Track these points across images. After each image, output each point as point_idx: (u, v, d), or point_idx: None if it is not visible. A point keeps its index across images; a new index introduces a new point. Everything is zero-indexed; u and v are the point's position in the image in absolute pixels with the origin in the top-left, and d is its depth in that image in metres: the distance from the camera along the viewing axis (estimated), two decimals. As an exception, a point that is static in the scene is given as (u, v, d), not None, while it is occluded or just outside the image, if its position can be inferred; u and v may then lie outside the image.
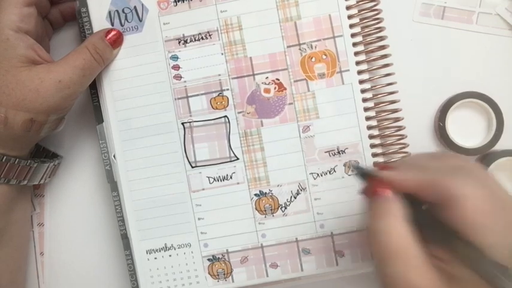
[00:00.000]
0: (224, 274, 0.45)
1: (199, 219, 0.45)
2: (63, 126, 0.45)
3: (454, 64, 0.47)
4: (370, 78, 0.44)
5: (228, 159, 0.44)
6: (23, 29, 0.40)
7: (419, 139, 0.46)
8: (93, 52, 0.42)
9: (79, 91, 0.42)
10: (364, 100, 0.44)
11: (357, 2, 0.44)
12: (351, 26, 0.43)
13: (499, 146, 0.46)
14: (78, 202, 0.49)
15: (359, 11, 0.44)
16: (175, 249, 0.45)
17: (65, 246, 0.49)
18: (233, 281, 0.45)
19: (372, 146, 0.44)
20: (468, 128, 0.46)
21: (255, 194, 0.44)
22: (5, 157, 0.40)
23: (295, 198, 0.44)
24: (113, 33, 0.43)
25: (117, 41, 0.44)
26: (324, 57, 0.44)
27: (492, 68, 0.46)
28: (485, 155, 0.46)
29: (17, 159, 0.41)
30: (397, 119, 0.44)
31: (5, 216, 0.42)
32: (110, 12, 0.45)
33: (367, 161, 0.44)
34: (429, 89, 0.47)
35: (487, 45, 0.46)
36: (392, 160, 0.44)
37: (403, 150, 0.44)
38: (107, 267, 0.49)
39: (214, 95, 0.44)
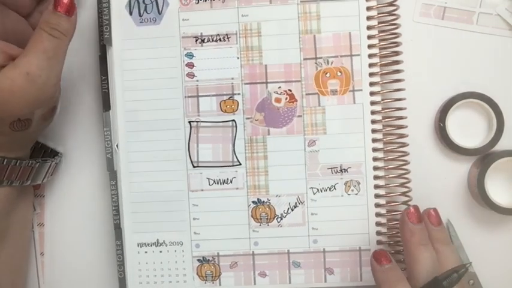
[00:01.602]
0: (212, 276, 0.45)
1: (194, 219, 0.45)
2: (57, 115, 0.44)
3: (454, 64, 0.46)
4: (381, 100, 0.44)
5: (231, 164, 0.44)
6: None
7: (419, 139, 0.46)
8: (48, 30, 0.38)
9: (53, 76, 0.39)
10: (373, 122, 0.44)
11: (378, 23, 0.44)
12: (370, 46, 0.43)
13: (499, 147, 0.45)
14: (78, 202, 0.48)
15: (379, 32, 0.44)
16: (166, 245, 0.45)
17: (65, 246, 0.48)
18: (220, 285, 0.45)
19: (375, 168, 0.44)
20: (468, 129, 0.46)
21: (253, 202, 0.44)
22: (5, 160, 0.40)
23: (292, 210, 0.44)
24: (62, 1, 0.39)
25: (70, 9, 0.39)
26: (339, 74, 0.44)
27: (492, 68, 0.46)
28: (486, 156, 0.46)
29: (18, 161, 0.41)
30: (402, 145, 0.44)
31: (8, 217, 0.42)
32: (130, 1, 0.44)
33: (368, 183, 0.44)
34: (429, 89, 0.47)
35: (487, 45, 0.46)
36: (393, 185, 0.44)
37: (405, 176, 0.44)
38: (104, 260, 0.48)
39: (225, 97, 0.44)
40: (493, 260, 0.47)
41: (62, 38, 0.39)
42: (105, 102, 0.45)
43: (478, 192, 0.44)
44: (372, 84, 0.43)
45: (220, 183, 0.44)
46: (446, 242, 0.40)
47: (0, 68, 0.38)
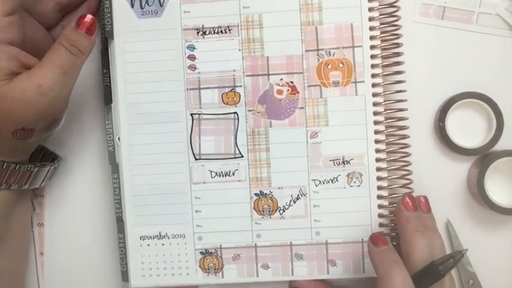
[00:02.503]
0: (215, 269, 0.45)
1: (196, 211, 0.44)
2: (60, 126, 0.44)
3: (454, 64, 0.46)
4: (383, 92, 0.44)
5: (233, 156, 0.44)
6: (5, 40, 0.37)
7: (419, 139, 0.46)
8: (67, 46, 0.39)
9: (65, 91, 0.40)
10: (375, 113, 0.44)
11: (380, 15, 0.43)
12: (371, 37, 0.43)
13: (499, 146, 0.46)
14: (78, 202, 0.48)
15: (381, 24, 0.44)
16: (169, 238, 0.45)
17: (64, 246, 0.48)
18: (223, 277, 0.45)
19: (377, 160, 0.44)
20: (468, 128, 0.46)
21: (255, 194, 0.44)
22: (5, 164, 0.40)
23: (294, 202, 0.44)
24: (84, 20, 0.40)
25: (91, 28, 0.40)
26: (341, 65, 0.44)
27: (492, 68, 0.46)
28: (485, 155, 0.46)
29: (17, 165, 0.41)
30: (404, 136, 0.44)
31: (6, 221, 0.42)
32: (131, -6, 0.44)
33: (370, 174, 0.44)
34: (429, 89, 0.47)
35: (487, 45, 0.46)
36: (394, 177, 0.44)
37: (406, 168, 0.44)
38: (106, 256, 0.48)
39: (227, 90, 0.44)
40: (493, 260, 0.47)
41: (79, 56, 0.40)
42: (107, 96, 0.45)
43: (477, 192, 0.44)
44: (373, 75, 0.43)
45: (223, 176, 0.44)
46: (434, 228, 0.42)
47: (13, 75, 0.38)
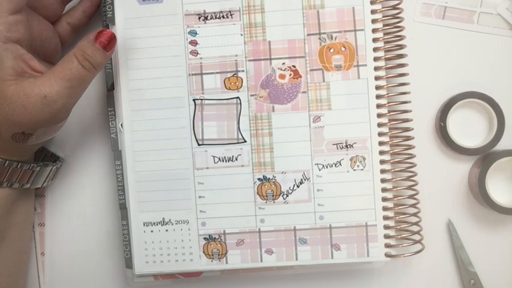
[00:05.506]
0: (218, 254, 0.45)
1: (200, 197, 0.44)
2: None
3: (455, 64, 0.47)
4: (386, 75, 0.44)
5: (236, 141, 0.44)
6: (11, 39, 0.37)
7: (420, 139, 0.46)
8: (81, 59, 0.38)
9: (70, 103, 0.40)
10: (378, 97, 0.43)
11: (381, -2, 0.43)
12: (373, 21, 0.43)
13: (500, 146, 0.46)
14: (80, 193, 0.48)
15: (382, 7, 0.43)
16: (172, 224, 0.45)
17: (65, 246, 0.48)
18: (227, 262, 0.45)
19: (381, 143, 0.44)
20: (469, 128, 0.46)
21: (258, 179, 0.44)
22: (7, 162, 0.40)
23: (298, 187, 0.44)
24: (103, 35, 0.39)
25: (109, 44, 0.39)
26: (343, 49, 0.44)
27: (493, 68, 0.46)
28: (486, 155, 0.46)
29: (19, 164, 0.40)
30: (406, 120, 0.44)
31: (6, 219, 0.42)
32: (132, -20, 0.44)
33: (373, 158, 0.44)
34: (430, 89, 0.47)
35: (488, 45, 0.46)
36: (397, 160, 0.44)
37: (409, 151, 0.44)
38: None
39: (229, 75, 0.44)
40: (494, 259, 0.47)
41: (91, 71, 0.39)
42: (109, 82, 0.45)
43: (479, 191, 0.45)
44: (376, 59, 0.43)
45: (226, 161, 0.44)
46: None
47: (19, 76, 0.37)
